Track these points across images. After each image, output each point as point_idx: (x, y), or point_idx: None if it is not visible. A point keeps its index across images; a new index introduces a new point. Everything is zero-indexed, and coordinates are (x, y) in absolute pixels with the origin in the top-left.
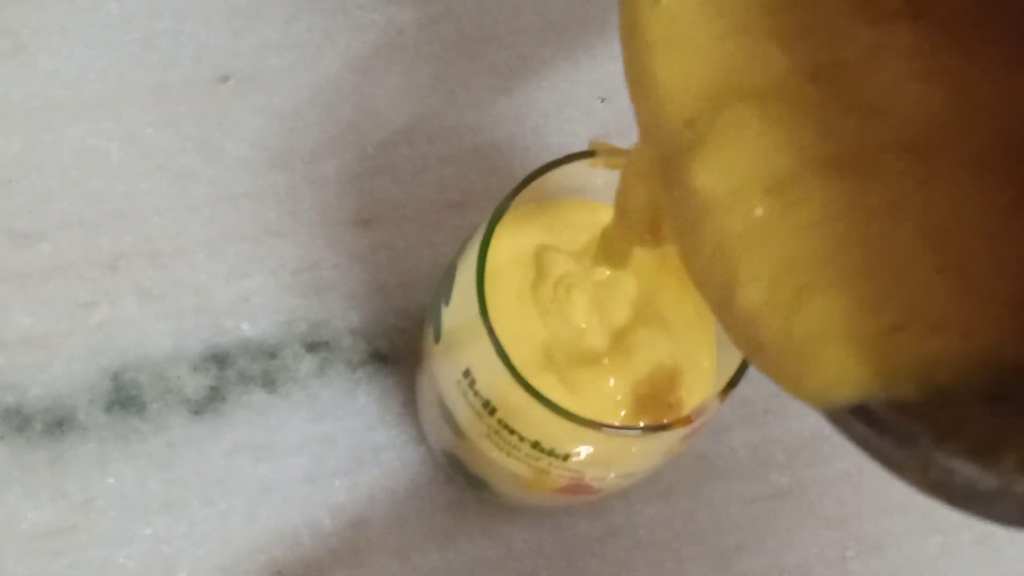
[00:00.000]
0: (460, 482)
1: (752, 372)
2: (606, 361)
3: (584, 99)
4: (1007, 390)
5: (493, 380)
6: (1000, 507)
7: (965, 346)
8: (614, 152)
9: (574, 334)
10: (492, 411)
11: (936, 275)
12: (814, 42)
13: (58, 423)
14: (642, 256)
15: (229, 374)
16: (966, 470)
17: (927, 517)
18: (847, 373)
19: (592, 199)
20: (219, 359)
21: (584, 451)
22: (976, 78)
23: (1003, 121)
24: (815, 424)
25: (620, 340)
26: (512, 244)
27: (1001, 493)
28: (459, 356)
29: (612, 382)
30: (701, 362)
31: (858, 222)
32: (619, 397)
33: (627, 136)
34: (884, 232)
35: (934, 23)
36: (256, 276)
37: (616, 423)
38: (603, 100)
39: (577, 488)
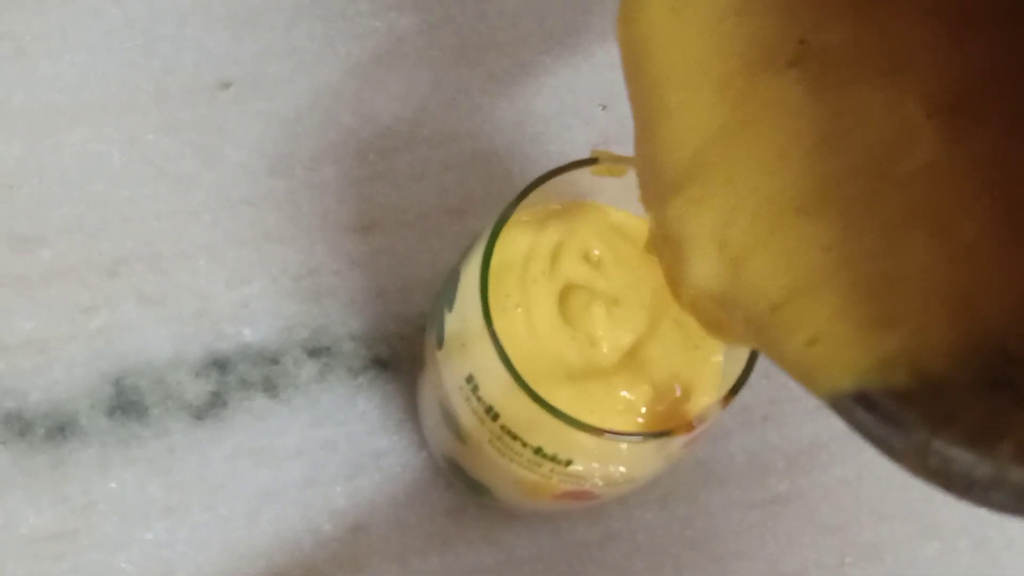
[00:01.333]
0: (460, 487)
1: (752, 379)
2: (615, 368)
3: (584, 106)
4: (1004, 378)
5: (496, 386)
6: (996, 495)
7: (920, 338)
8: (616, 159)
9: (584, 341)
10: (495, 417)
11: (880, 275)
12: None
13: (59, 428)
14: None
15: (230, 379)
16: (963, 458)
17: (925, 524)
18: (840, 361)
19: (596, 201)
20: (220, 364)
21: (586, 457)
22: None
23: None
24: (814, 431)
25: (632, 348)
26: (516, 249)
27: (996, 481)
28: (462, 361)
29: (620, 389)
30: (709, 370)
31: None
32: (627, 404)
33: (627, 143)
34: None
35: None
36: (256, 282)
37: (619, 429)
38: (603, 107)
39: (578, 494)
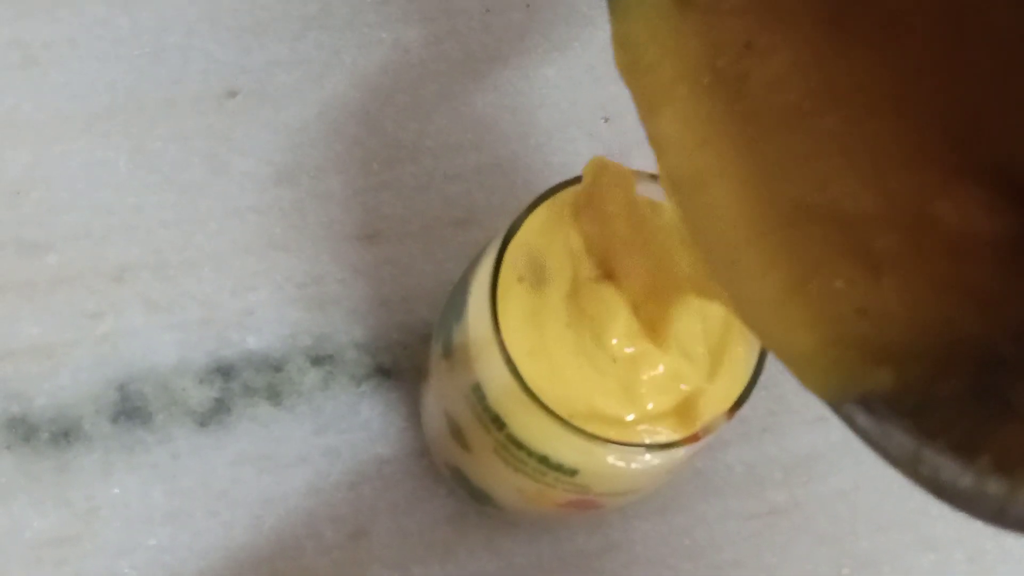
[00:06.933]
0: (462, 495)
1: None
2: (626, 374)
3: (587, 119)
4: (990, 386)
5: (504, 395)
6: (979, 506)
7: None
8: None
9: (597, 347)
10: (501, 426)
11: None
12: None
13: (64, 433)
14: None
15: (234, 386)
16: (949, 467)
17: (921, 535)
18: (827, 362)
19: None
20: (224, 371)
21: (591, 467)
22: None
23: None
24: (811, 442)
25: (646, 352)
26: (533, 254)
27: (977, 493)
28: (469, 371)
29: (631, 397)
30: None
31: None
32: (635, 414)
33: (629, 156)
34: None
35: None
36: (261, 289)
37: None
38: (606, 120)
39: (581, 503)
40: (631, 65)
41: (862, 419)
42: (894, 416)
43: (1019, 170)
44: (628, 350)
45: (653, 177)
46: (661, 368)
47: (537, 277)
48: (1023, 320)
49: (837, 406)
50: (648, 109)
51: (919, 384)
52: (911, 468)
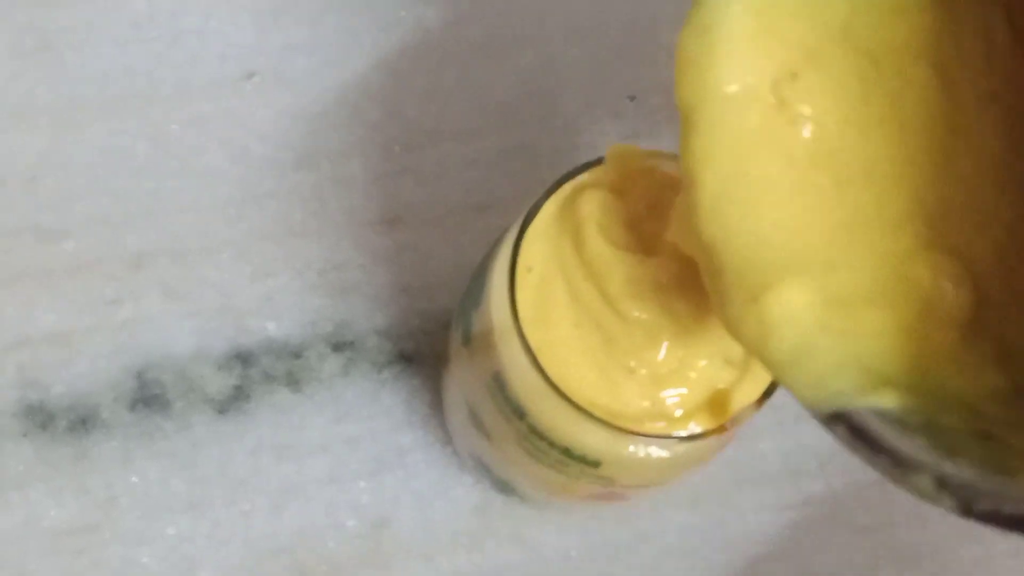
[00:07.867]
0: (487, 485)
1: None
2: (648, 370)
3: (612, 99)
4: (986, 430)
5: (525, 384)
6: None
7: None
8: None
9: (620, 337)
10: (522, 416)
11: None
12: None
13: (82, 421)
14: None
15: (253, 373)
16: (970, 476)
17: (963, 527)
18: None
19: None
20: (243, 358)
21: (615, 459)
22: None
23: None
24: None
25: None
26: (546, 244)
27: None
28: (489, 359)
29: (656, 388)
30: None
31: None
32: (662, 404)
33: (656, 136)
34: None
35: None
36: (281, 276)
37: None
38: (632, 99)
39: (606, 495)
40: (696, 52)
41: (842, 430)
42: (903, 433)
43: (970, 257)
44: (644, 372)
45: (675, 158)
46: (690, 381)
47: (546, 267)
48: (992, 384)
49: (821, 417)
50: (684, 92)
51: (923, 411)
52: (923, 480)
